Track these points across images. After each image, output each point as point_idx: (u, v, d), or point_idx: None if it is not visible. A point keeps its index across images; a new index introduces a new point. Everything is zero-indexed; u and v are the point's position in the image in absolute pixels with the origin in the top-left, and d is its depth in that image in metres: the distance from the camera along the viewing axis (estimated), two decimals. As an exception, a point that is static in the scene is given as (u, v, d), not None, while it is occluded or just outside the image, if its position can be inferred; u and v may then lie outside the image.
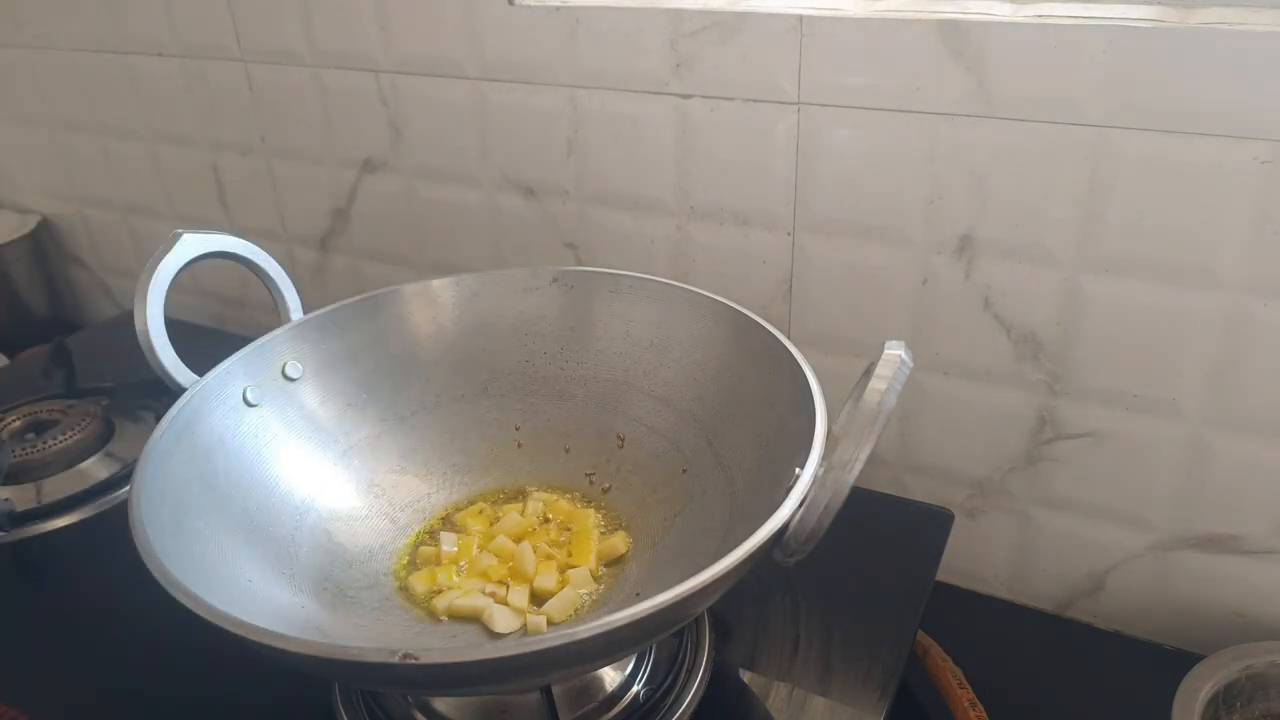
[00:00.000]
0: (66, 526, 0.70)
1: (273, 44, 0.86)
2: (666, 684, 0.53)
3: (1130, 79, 0.54)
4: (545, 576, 0.55)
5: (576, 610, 0.53)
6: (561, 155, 0.75)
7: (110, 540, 0.66)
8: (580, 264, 0.79)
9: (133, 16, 0.93)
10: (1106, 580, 0.68)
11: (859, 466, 0.42)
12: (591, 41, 0.70)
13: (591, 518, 0.59)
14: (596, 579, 0.55)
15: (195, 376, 0.55)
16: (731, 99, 0.67)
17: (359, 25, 0.80)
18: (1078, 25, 0.55)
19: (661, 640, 0.56)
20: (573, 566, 0.56)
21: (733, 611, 0.60)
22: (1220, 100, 0.53)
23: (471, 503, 0.61)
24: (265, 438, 0.56)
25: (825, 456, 0.45)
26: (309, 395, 0.59)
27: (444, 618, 0.53)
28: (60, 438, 0.75)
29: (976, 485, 0.70)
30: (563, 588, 0.54)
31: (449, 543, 0.57)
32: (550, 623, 0.52)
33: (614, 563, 0.56)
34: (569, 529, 0.59)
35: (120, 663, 0.60)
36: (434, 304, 0.64)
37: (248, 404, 0.56)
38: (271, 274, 0.61)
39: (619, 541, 0.57)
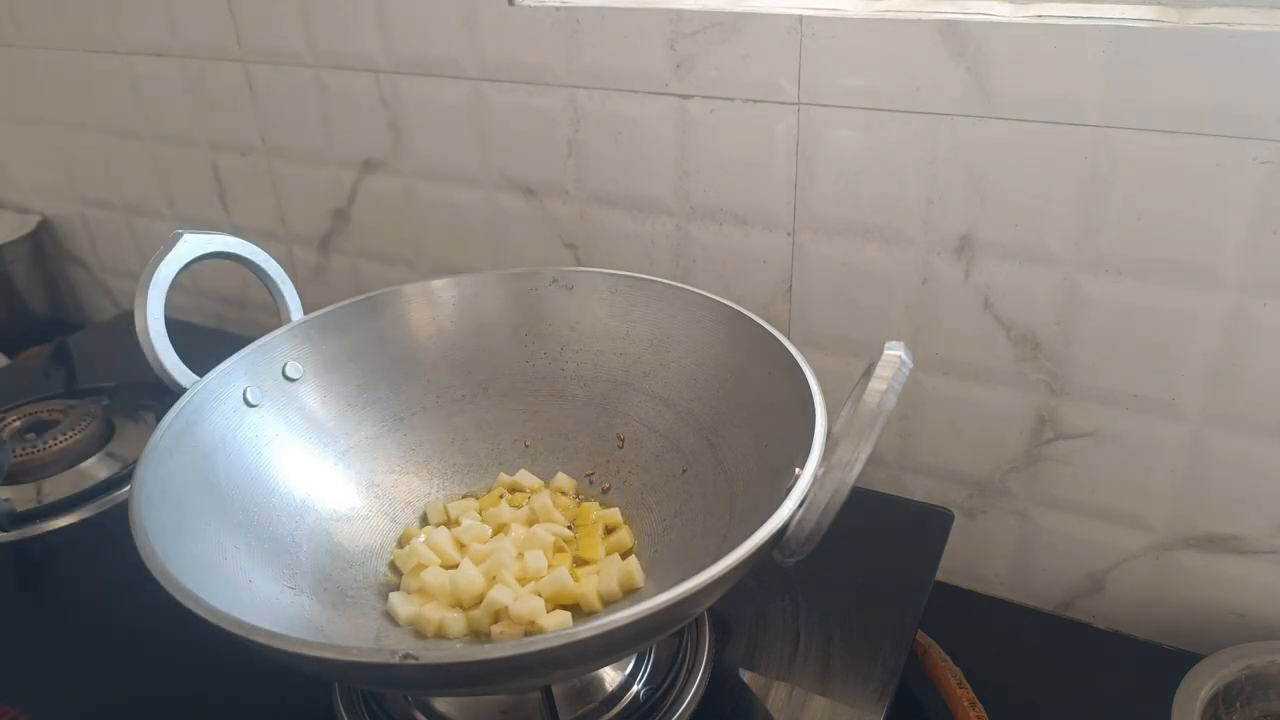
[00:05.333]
0: (67, 526, 0.70)
1: (273, 44, 0.86)
2: (666, 684, 0.53)
3: (1130, 79, 0.54)
4: (590, 545, 0.56)
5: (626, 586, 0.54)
6: (561, 155, 0.75)
7: (110, 540, 0.67)
8: (580, 264, 0.79)
9: (133, 16, 0.93)
10: (1106, 580, 0.68)
11: (859, 467, 0.42)
12: (591, 41, 0.70)
13: (594, 511, 0.59)
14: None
15: (195, 377, 0.55)
16: (731, 99, 0.67)
17: (359, 25, 0.80)
18: (1078, 25, 0.55)
19: (661, 640, 0.56)
20: (583, 562, 0.56)
21: (733, 611, 0.60)
22: (1220, 100, 0.53)
23: (474, 499, 0.61)
24: (265, 438, 0.56)
25: (825, 457, 0.45)
26: (309, 395, 0.59)
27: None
28: (60, 438, 0.75)
29: (976, 485, 0.70)
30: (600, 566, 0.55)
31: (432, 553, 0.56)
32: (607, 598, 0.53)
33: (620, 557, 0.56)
34: (571, 525, 0.59)
35: (120, 662, 0.60)
36: (434, 304, 0.64)
37: (248, 404, 0.56)
38: (271, 274, 0.61)
39: (625, 535, 0.57)
